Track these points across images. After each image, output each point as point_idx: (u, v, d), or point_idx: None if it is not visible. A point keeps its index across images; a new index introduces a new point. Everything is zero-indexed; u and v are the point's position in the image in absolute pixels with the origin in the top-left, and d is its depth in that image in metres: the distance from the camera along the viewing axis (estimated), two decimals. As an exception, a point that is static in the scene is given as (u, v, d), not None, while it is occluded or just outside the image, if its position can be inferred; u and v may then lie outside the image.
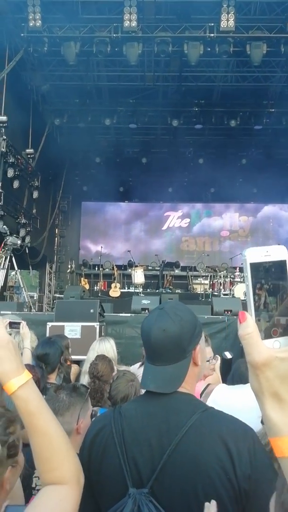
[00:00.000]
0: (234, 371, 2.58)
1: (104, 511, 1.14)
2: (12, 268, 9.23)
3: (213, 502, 1.01)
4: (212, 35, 9.19)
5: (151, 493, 1.07)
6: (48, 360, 2.80)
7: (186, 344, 1.21)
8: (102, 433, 1.20)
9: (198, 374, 1.28)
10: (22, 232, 10.81)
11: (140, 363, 3.62)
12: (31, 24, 8.90)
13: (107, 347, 3.24)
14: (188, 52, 9.44)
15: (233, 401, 1.88)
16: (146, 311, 6.57)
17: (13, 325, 2.96)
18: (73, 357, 3.59)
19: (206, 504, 1.01)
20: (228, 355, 3.42)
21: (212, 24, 9.11)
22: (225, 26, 8.80)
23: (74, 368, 3.66)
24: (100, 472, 1.17)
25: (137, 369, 3.43)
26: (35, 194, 12.02)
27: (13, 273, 10.19)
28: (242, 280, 11.53)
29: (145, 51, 9.93)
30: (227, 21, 8.75)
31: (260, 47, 9.34)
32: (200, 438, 1.10)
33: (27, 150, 11.10)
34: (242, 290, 10.66)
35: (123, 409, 1.23)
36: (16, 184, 10.28)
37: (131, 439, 1.15)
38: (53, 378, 2.83)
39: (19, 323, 3.01)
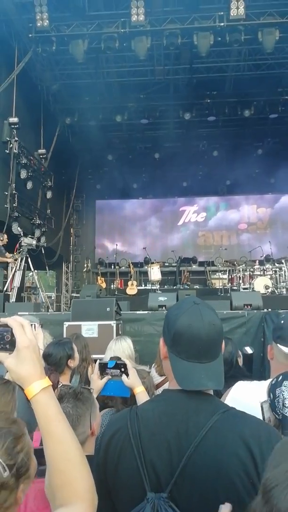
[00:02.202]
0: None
1: None
2: (29, 269, 9.26)
3: (228, 505, 0.96)
4: (222, 24, 9.00)
5: (170, 497, 1.03)
6: (51, 361, 2.75)
7: (222, 338, 1.21)
8: (118, 435, 1.16)
9: None
10: (37, 233, 10.85)
11: (153, 366, 3.50)
12: (38, 24, 8.90)
13: (124, 346, 3.16)
14: (198, 43, 9.27)
15: (251, 398, 1.80)
16: (163, 308, 6.48)
17: None
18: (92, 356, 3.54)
19: (221, 505, 0.97)
20: (248, 350, 3.33)
21: (222, 13, 8.93)
22: (235, 14, 8.61)
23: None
24: (116, 475, 1.13)
25: (155, 374, 3.33)
26: (49, 194, 12.06)
27: (30, 274, 10.24)
28: (261, 273, 11.32)
29: (154, 45, 9.80)
30: (237, 8, 8.56)
31: (272, 33, 9.10)
32: (221, 440, 1.05)
33: (39, 151, 11.12)
34: (262, 283, 10.45)
35: (139, 410, 1.18)
36: (29, 185, 10.31)
37: (148, 441, 1.10)
38: (64, 380, 2.77)
39: (32, 325, 2.97)
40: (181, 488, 1.04)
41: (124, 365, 1.87)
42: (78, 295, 9.83)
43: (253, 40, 9.42)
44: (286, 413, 1.22)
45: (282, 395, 1.26)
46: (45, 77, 11.08)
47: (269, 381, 1.43)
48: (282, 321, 1.89)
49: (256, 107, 12.38)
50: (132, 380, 1.84)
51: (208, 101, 12.50)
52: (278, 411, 1.26)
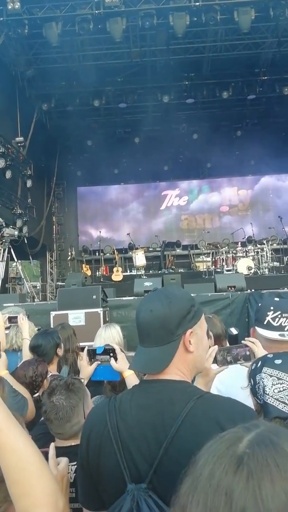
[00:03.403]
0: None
1: (108, 506, 1.13)
2: (12, 259, 9.18)
3: None
4: (198, 3, 8.87)
5: (151, 488, 1.05)
6: (41, 352, 2.77)
7: (174, 327, 1.19)
8: (97, 428, 1.18)
9: (193, 362, 1.24)
10: (19, 223, 10.69)
11: None
12: (9, 7, 8.62)
13: (113, 334, 3.18)
14: (174, 23, 9.13)
15: (236, 380, 1.84)
16: (149, 293, 6.53)
17: (12, 319, 2.94)
18: (80, 344, 3.56)
19: None
20: (234, 331, 3.37)
21: (197, -8, 8.78)
22: (210, -7, 8.49)
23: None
24: (99, 468, 1.15)
25: None
26: (29, 183, 11.85)
27: (14, 264, 10.15)
28: (244, 255, 11.48)
29: (130, 26, 9.61)
30: (212, -13, 8.43)
31: (248, 12, 9.03)
32: (197, 427, 1.07)
33: (17, 139, 10.87)
34: (245, 265, 10.61)
35: (117, 401, 1.21)
36: (8, 174, 10.11)
37: (126, 434, 1.13)
38: (52, 369, 2.80)
39: (17, 317, 2.99)
40: (160, 478, 1.06)
41: (113, 350, 1.90)
42: (64, 283, 9.81)
43: (229, 20, 9.33)
44: (267, 400, 1.24)
45: (262, 382, 1.27)
46: (19, 62, 10.75)
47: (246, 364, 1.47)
48: (260, 304, 1.94)
49: (234, 89, 12.35)
50: (121, 364, 1.87)
51: (186, 83, 12.40)
52: (259, 397, 1.29)
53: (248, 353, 1.72)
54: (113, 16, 9.04)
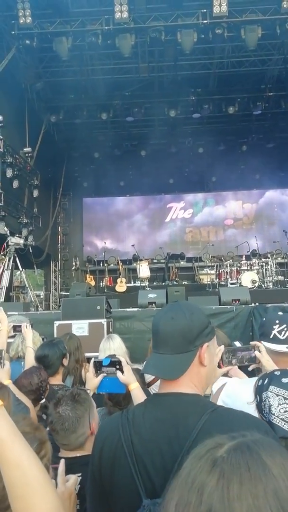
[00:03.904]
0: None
1: None
2: (17, 268, 9.22)
3: None
4: (205, 21, 9.05)
5: None
6: (47, 362, 2.76)
7: (193, 338, 1.21)
8: (109, 442, 1.17)
9: (206, 376, 1.25)
10: (25, 232, 10.78)
11: (144, 363, 3.56)
12: (21, 21, 8.83)
13: (116, 346, 3.17)
14: (182, 40, 9.30)
15: (243, 393, 1.85)
16: (153, 304, 6.53)
17: (16, 328, 2.95)
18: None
19: None
20: (238, 344, 3.37)
21: (205, 10, 8.98)
22: (217, 12, 8.67)
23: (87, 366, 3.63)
24: (112, 483, 1.14)
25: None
26: (35, 193, 11.98)
27: (18, 273, 10.19)
28: (248, 268, 11.46)
29: (138, 42, 9.80)
30: (220, 6, 8.62)
31: (254, 30, 9.18)
32: None
33: (25, 149, 11.03)
34: (249, 278, 10.59)
35: (130, 415, 1.20)
36: (15, 184, 10.23)
37: (141, 448, 1.12)
38: (57, 380, 2.79)
39: (21, 326, 3.01)
40: None
41: (119, 362, 1.90)
42: (68, 293, 9.82)
43: (236, 37, 9.50)
44: (272, 419, 1.24)
45: (268, 401, 1.27)
46: (29, 74, 10.98)
47: (255, 379, 1.47)
48: (264, 319, 1.97)
49: (240, 104, 12.48)
50: (127, 377, 1.87)
51: (193, 98, 12.55)
52: (265, 415, 1.28)
53: (253, 355, 1.76)
54: (122, 32, 9.22)
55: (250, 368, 1.84)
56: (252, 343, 1.82)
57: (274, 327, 1.81)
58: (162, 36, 9.34)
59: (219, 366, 1.74)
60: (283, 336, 1.78)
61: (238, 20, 9.13)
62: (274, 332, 1.80)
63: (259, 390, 1.34)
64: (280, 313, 1.90)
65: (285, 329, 1.78)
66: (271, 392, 1.28)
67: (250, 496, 0.58)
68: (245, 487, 0.59)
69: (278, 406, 1.24)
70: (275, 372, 1.35)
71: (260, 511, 0.57)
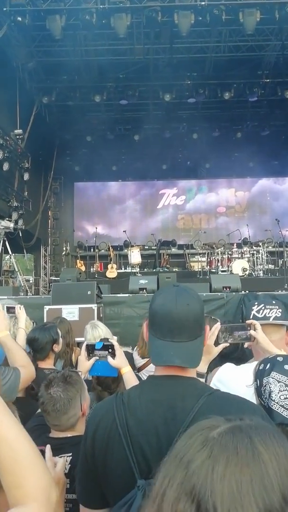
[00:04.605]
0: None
1: (112, 504, 1.10)
2: (6, 252, 9.11)
3: None
4: (203, 3, 8.83)
5: None
6: (36, 346, 2.76)
7: (203, 322, 1.24)
8: (104, 424, 1.16)
9: (202, 354, 1.29)
10: (15, 216, 10.62)
11: (135, 348, 3.53)
12: (13, -4, 8.53)
13: (104, 333, 3.11)
14: (179, 22, 9.09)
15: (237, 379, 1.85)
16: (144, 290, 6.52)
17: (10, 309, 2.93)
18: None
19: None
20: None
21: (203, -9, 8.75)
22: (216, -7, 8.46)
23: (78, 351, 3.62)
24: (105, 464, 1.13)
25: (137, 356, 3.35)
26: (26, 176, 11.77)
27: (7, 257, 10.08)
28: (239, 256, 11.49)
29: (134, 23, 9.55)
30: (218, -13, 8.41)
31: (253, 14, 8.99)
32: None
33: (16, 131, 10.78)
34: (240, 266, 10.62)
35: (125, 397, 1.19)
36: (5, 166, 10.04)
37: (136, 429, 1.12)
38: (48, 364, 2.78)
39: (14, 307, 2.98)
40: None
41: (112, 346, 1.90)
42: (57, 278, 9.76)
43: (234, 21, 9.31)
44: (272, 405, 1.25)
45: (269, 386, 1.28)
46: (21, 53, 10.65)
47: (255, 363, 1.46)
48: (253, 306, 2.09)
49: (236, 90, 12.31)
50: (119, 360, 1.86)
51: (188, 82, 12.35)
52: (264, 400, 1.29)
53: (248, 334, 1.82)
54: (118, 12, 8.97)
55: (245, 346, 1.90)
56: (248, 321, 1.86)
57: (253, 308, 1.94)
58: (159, 17, 9.10)
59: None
60: (261, 314, 1.89)
61: (237, 3, 8.94)
62: (253, 312, 1.92)
63: (260, 374, 1.34)
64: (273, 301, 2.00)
65: (262, 308, 1.90)
66: (272, 378, 1.29)
67: (233, 480, 0.57)
68: (230, 469, 0.58)
69: (278, 393, 1.25)
70: (278, 358, 1.36)
71: (242, 496, 0.56)
